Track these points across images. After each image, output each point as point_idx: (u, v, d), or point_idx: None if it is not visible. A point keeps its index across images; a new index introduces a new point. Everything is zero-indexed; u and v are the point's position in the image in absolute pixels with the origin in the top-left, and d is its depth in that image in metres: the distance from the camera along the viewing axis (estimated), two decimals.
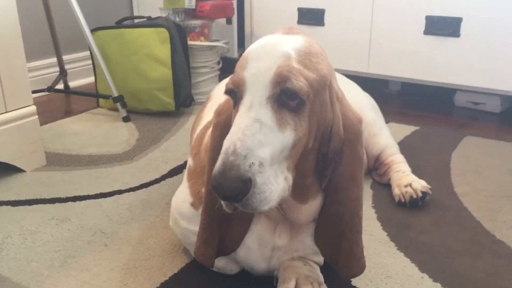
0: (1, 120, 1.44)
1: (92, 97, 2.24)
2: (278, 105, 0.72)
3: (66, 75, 2.38)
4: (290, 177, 0.76)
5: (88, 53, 2.18)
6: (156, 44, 2.05)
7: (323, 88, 0.77)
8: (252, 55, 0.75)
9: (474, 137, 1.82)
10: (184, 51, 2.13)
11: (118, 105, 2.03)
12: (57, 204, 1.34)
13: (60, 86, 2.36)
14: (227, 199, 0.69)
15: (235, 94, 0.76)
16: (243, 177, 0.67)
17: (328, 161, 0.82)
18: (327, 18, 2.26)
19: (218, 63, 2.38)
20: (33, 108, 1.53)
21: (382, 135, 1.49)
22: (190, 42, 2.21)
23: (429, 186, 1.35)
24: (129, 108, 2.07)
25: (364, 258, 0.88)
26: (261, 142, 0.69)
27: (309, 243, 0.95)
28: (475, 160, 1.63)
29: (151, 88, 2.05)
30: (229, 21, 2.58)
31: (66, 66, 2.40)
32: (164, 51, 2.04)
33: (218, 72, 2.38)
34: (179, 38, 2.09)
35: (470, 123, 2.03)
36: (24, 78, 1.50)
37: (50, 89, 2.18)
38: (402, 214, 1.29)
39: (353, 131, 0.82)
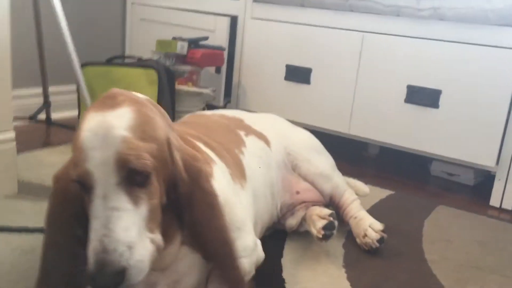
0: None
1: (73, 130, 2.23)
2: (128, 186, 0.76)
3: (49, 106, 2.37)
4: (157, 235, 0.80)
5: (74, 87, 2.19)
6: (143, 85, 2.08)
7: (163, 150, 0.81)
8: (88, 145, 0.75)
9: (447, 207, 1.85)
10: (171, 94, 2.16)
11: None
12: (23, 234, 1.30)
13: (43, 116, 2.35)
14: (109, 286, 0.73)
15: (83, 185, 0.77)
16: (118, 270, 0.72)
17: (183, 205, 0.86)
18: (313, 77, 2.33)
19: (203, 109, 2.41)
20: (12, 134, 1.52)
21: (328, 176, 1.49)
22: (177, 87, 2.25)
23: (381, 228, 1.41)
24: None
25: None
26: (126, 227, 0.74)
27: None
28: (446, 229, 1.65)
29: None
30: (218, 70, 2.64)
31: (51, 98, 2.40)
32: (150, 92, 2.07)
33: None
34: (167, 81, 2.12)
35: (444, 193, 2.07)
36: (6, 103, 1.49)
37: (32, 118, 2.17)
38: (372, 275, 1.29)
39: (194, 171, 0.86)
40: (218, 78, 2.65)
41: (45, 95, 2.33)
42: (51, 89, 2.41)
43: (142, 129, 0.78)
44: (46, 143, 2.17)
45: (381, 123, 2.19)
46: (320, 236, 1.31)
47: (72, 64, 2.01)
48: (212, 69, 2.64)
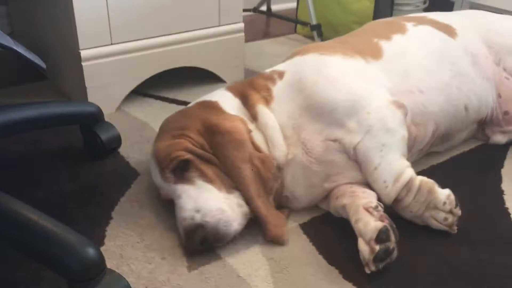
0: (214, 33, 1.59)
1: (291, 22, 2.31)
2: (179, 176, 0.97)
3: None
4: (233, 192, 0.96)
5: None
6: None
7: (191, 137, 0.99)
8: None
9: None
10: None
11: (315, 33, 2.07)
12: None
13: (263, 8, 2.47)
14: (199, 244, 0.92)
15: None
16: (195, 227, 0.91)
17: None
18: None
19: (424, 2, 2.23)
20: (241, 25, 1.65)
21: None
22: None
23: None
24: (324, 37, 2.09)
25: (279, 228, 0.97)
26: (188, 201, 0.93)
27: None
28: None
29: (350, 20, 2.03)
30: None
31: None
32: None
33: (422, 12, 2.23)
34: None
35: None
36: None
37: (255, 10, 2.30)
38: None
39: (210, 130, 1.01)
40: None
41: None
42: None
43: (179, 132, 1.00)
44: (267, 34, 2.30)
45: None
46: None
47: None
48: None
